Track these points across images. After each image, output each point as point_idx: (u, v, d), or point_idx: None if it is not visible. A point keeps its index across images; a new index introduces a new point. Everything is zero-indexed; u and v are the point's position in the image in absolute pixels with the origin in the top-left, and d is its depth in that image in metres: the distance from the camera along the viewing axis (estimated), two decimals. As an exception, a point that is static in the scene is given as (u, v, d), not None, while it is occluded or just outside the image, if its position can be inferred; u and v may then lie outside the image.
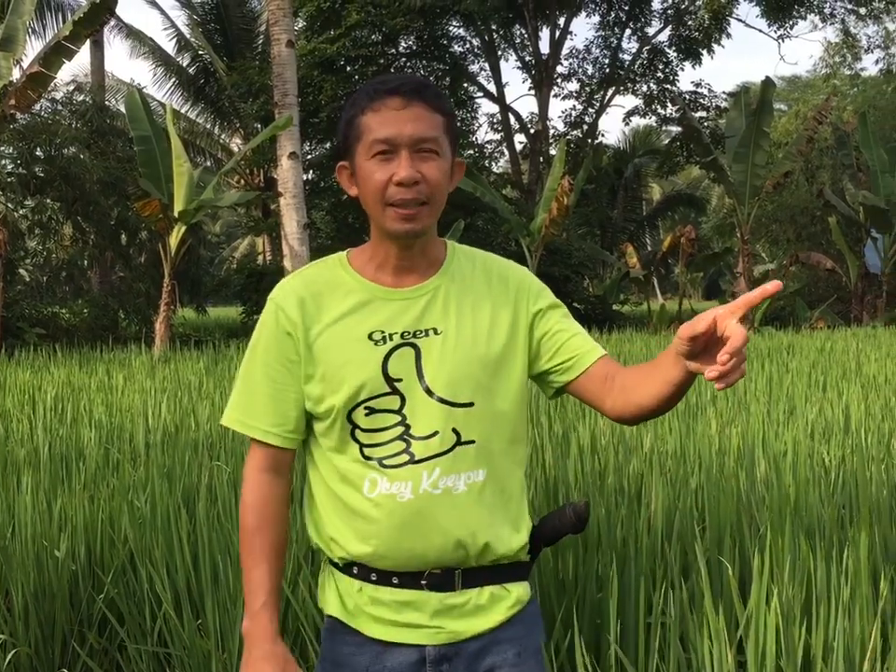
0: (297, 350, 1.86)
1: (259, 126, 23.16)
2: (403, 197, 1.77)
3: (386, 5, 21.85)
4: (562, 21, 27.29)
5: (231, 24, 27.06)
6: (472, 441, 1.84)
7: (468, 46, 27.02)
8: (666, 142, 32.06)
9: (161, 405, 6.28)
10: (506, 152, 29.21)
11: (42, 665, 3.36)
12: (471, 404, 1.84)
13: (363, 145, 1.80)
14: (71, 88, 20.48)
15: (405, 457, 1.82)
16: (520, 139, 28.83)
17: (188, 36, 27.21)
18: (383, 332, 1.84)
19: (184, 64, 27.02)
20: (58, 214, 18.90)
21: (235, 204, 17.86)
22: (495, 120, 29.21)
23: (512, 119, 28.27)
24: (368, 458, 1.84)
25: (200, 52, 26.80)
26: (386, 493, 1.82)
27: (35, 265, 21.46)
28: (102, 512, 3.63)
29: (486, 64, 27.69)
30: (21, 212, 18.98)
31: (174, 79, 26.95)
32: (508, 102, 27.94)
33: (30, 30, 19.46)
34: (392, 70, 24.16)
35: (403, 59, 25.17)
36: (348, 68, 23.05)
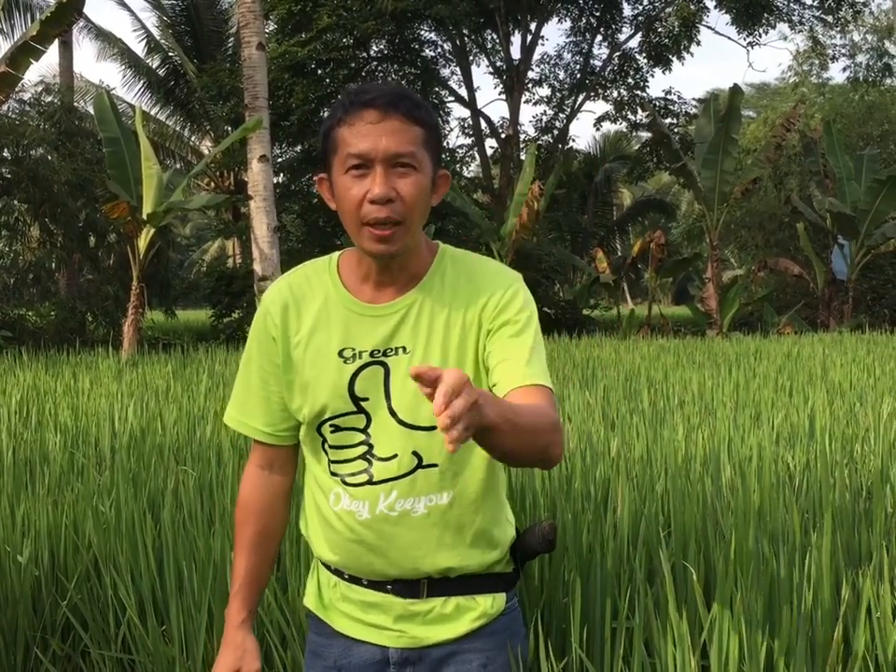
0: (280, 355, 1.88)
1: (230, 128, 23.09)
2: (377, 216, 1.73)
3: (358, 8, 21.85)
4: (533, 26, 27.40)
5: (201, 26, 26.93)
6: (435, 465, 1.82)
7: (439, 50, 27.12)
8: (637, 147, 32.23)
9: (127, 409, 6.23)
10: (477, 157, 29.34)
11: (4, 672, 3.33)
12: (433, 428, 1.79)
13: (339, 158, 1.76)
14: (39, 89, 20.28)
15: (364, 477, 1.82)
16: (491, 144, 28.94)
17: (158, 38, 27.06)
18: (353, 350, 1.82)
19: (154, 66, 26.87)
20: (25, 215, 18.75)
21: (205, 207, 17.72)
22: (466, 125, 29.29)
23: (483, 124, 28.34)
24: (334, 474, 1.86)
25: (170, 54, 26.68)
26: (347, 509, 1.83)
27: (1, 267, 21.25)
28: (66, 517, 3.60)
29: (458, 69, 27.78)
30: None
31: (143, 81, 26.79)
32: (479, 106, 28.02)
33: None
34: (364, 74, 24.16)
35: (374, 63, 25.17)
36: (319, 71, 23.03)
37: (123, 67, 26.72)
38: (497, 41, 28.23)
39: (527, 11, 26.71)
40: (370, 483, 1.81)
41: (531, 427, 1.59)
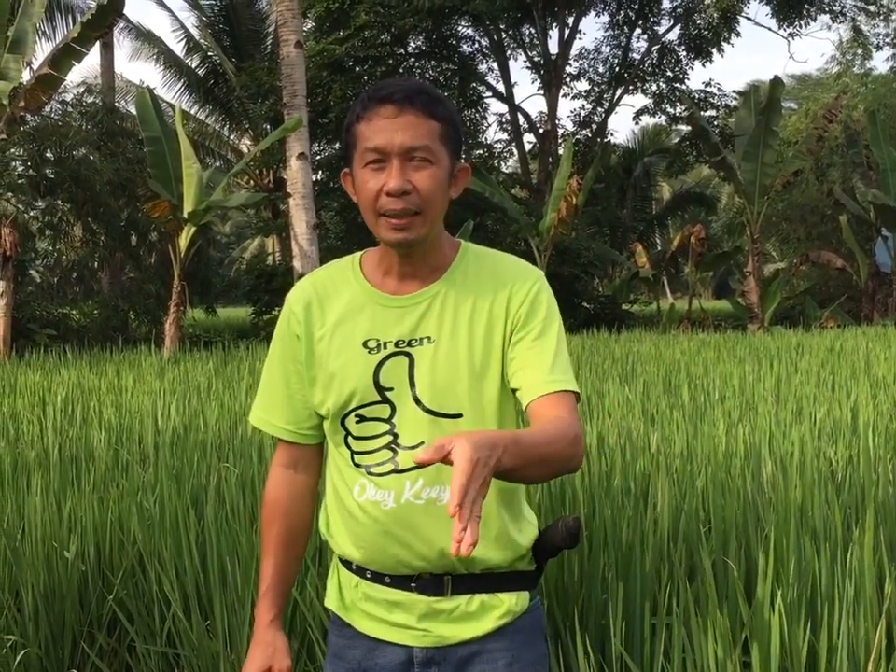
0: (303, 352, 1.90)
1: (269, 127, 23.23)
2: (393, 208, 1.76)
3: (395, 5, 21.88)
4: (571, 20, 27.28)
5: (239, 25, 27.11)
6: None
7: (476, 46, 27.06)
8: (676, 141, 32.00)
9: (170, 406, 6.30)
10: (515, 152, 29.24)
11: (52, 666, 3.38)
12: (459, 415, 1.82)
13: (358, 153, 1.80)
14: (81, 90, 20.52)
15: (390, 466, 1.83)
16: (529, 139, 28.87)
17: (197, 38, 27.27)
18: (378, 340, 1.84)
19: (193, 66, 27.09)
20: (68, 215, 18.96)
21: (244, 206, 17.84)
22: (504, 120, 29.25)
23: (521, 119, 28.30)
24: (357, 465, 1.86)
25: (209, 54, 26.88)
26: (372, 499, 1.84)
27: (45, 266, 21.53)
28: (111, 513, 3.65)
29: (495, 64, 27.72)
30: (31, 213, 19.03)
31: (183, 81, 27.03)
32: (517, 102, 27.97)
33: (40, 32, 19.59)
34: (401, 70, 24.21)
35: (412, 59, 25.20)
36: (357, 69, 23.09)
37: (163, 67, 26.97)
38: (535, 36, 28.16)
39: (565, 5, 26.60)
40: (395, 471, 1.82)
41: (552, 454, 1.63)
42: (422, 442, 1.81)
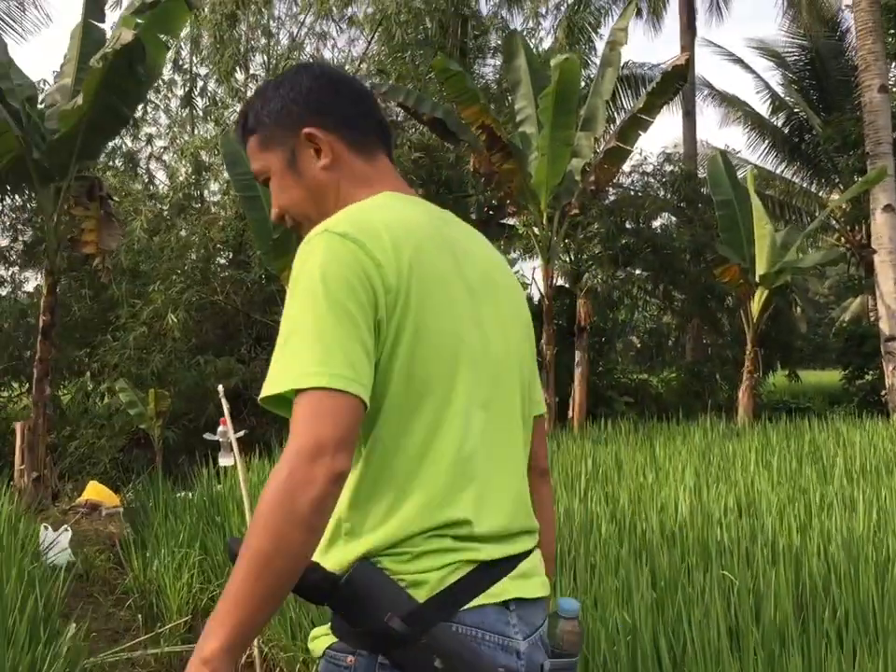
0: None
1: (858, 179, 21.80)
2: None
3: None
4: None
5: (827, 77, 25.98)
6: None
7: None
8: None
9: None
10: None
11: None
12: None
13: None
14: (661, 159, 20.85)
15: None
16: None
17: (782, 95, 26.65)
18: None
19: (778, 124, 26.49)
20: (645, 284, 19.25)
21: (819, 265, 16.63)
22: None
23: None
24: None
25: (795, 110, 26.10)
26: None
27: (627, 335, 22.04)
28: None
29: None
30: (611, 283, 19.58)
31: (767, 141, 26.52)
32: None
33: (619, 108, 20.31)
34: None
35: None
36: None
37: (747, 129, 26.72)
38: None
39: None
40: None
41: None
42: None
